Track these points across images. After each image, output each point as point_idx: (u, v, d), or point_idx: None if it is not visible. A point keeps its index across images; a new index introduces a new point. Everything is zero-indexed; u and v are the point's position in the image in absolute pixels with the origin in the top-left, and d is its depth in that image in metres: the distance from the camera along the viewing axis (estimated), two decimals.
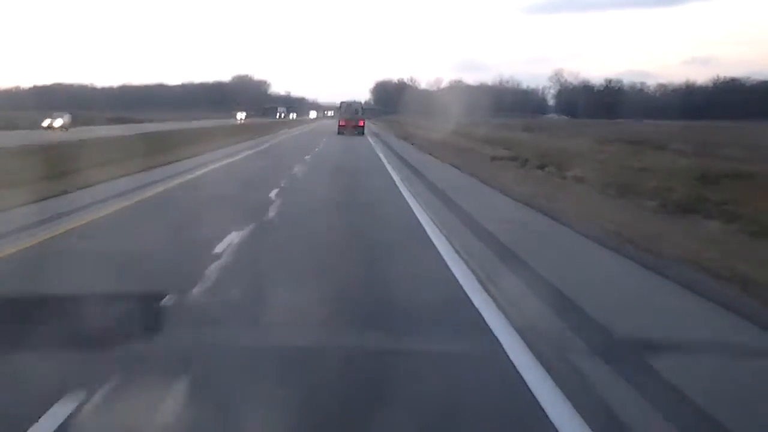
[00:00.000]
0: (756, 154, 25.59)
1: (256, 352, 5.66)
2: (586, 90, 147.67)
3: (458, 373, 5.30)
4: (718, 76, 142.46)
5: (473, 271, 8.28)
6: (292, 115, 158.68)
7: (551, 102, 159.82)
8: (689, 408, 4.55)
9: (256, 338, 5.98)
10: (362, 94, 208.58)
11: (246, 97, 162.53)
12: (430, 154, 31.62)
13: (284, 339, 5.94)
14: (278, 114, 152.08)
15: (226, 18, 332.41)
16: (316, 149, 35.41)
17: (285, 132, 66.00)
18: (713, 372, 5.34)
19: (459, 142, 38.47)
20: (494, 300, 7.04)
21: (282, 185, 17.56)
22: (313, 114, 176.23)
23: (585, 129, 59.37)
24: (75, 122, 57.35)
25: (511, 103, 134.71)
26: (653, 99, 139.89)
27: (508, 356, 5.46)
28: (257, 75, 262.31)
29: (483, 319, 6.46)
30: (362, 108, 63.49)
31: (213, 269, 8.22)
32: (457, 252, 9.40)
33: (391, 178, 20.63)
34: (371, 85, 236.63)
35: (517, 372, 5.13)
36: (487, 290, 7.42)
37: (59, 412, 4.33)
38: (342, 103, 62.49)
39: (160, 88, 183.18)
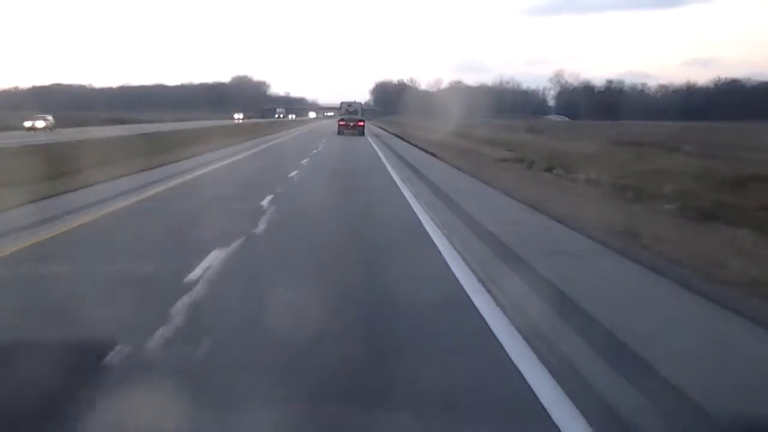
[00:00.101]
0: None
1: None
2: (586, 91, 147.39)
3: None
4: (719, 77, 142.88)
5: (493, 298, 7.02)
6: (291, 116, 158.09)
7: (551, 103, 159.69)
8: None
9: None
10: (362, 94, 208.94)
11: (245, 97, 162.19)
12: (434, 155, 30.82)
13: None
14: (277, 115, 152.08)
15: (226, 18, 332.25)
16: (315, 151, 34.37)
17: (284, 133, 65.16)
18: None
19: (461, 143, 37.80)
20: (537, 353, 5.42)
21: (277, 191, 16.01)
22: (312, 114, 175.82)
23: (587, 130, 58.84)
24: (68, 123, 56.60)
25: (511, 104, 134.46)
26: (654, 100, 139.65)
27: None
28: (257, 76, 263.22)
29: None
30: (362, 108, 63.53)
31: (181, 307, 6.40)
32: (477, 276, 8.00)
33: (393, 181, 19.79)
34: (371, 85, 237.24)
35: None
36: (518, 328, 5.95)
37: None
38: (342, 103, 62.30)
39: (160, 88, 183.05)
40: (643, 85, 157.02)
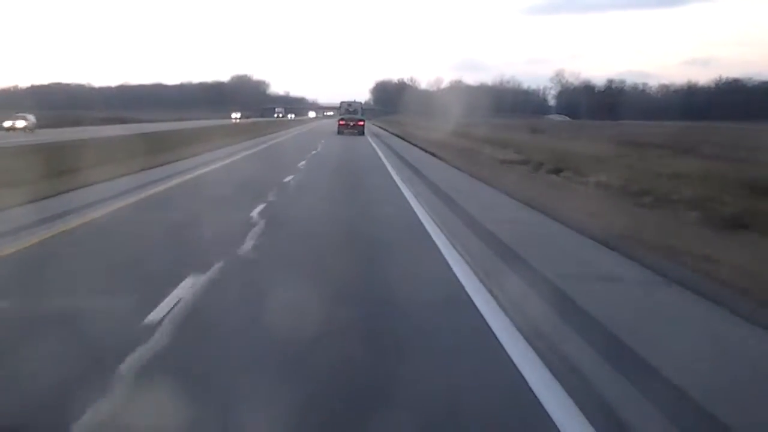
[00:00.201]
0: None
1: None
2: (587, 90, 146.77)
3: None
4: (720, 77, 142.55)
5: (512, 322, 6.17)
6: (291, 116, 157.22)
7: (552, 102, 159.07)
8: None
9: None
10: (362, 94, 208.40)
11: (245, 97, 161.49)
12: (434, 155, 30.06)
13: None
14: (276, 114, 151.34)
15: (225, 18, 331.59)
16: (313, 152, 33.33)
17: (284, 132, 64.25)
18: None
19: (461, 143, 37.09)
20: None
21: (270, 199, 14.52)
22: (312, 114, 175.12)
23: (588, 130, 58.21)
24: (62, 122, 55.38)
25: (511, 104, 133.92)
26: (655, 99, 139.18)
27: None
28: (256, 75, 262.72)
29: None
30: (362, 108, 63.22)
31: (139, 357, 5.04)
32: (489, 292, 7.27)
33: (399, 188, 18.92)
34: (371, 85, 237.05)
35: None
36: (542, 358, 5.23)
37: None
38: (342, 103, 61.87)
39: (159, 87, 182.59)
40: (644, 84, 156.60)
